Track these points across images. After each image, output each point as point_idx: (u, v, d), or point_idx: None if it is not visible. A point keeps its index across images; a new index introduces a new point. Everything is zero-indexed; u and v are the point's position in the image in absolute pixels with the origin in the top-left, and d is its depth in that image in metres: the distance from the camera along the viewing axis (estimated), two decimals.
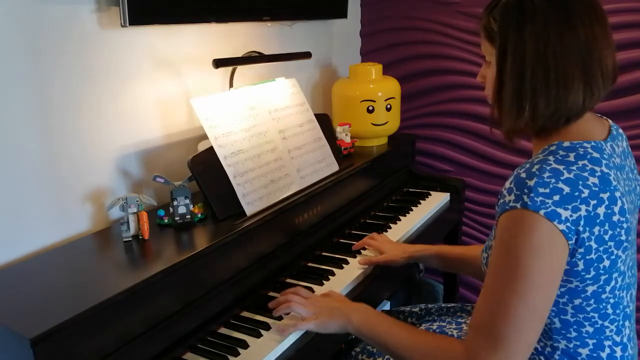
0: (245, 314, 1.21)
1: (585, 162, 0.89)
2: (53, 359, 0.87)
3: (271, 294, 1.29)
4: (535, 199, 0.85)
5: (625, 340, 0.98)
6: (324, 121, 1.67)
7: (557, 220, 0.85)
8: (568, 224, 0.85)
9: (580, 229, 0.86)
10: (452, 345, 0.95)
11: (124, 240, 1.19)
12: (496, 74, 0.95)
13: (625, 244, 0.92)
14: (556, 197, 0.85)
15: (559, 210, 0.85)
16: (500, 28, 0.93)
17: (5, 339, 0.89)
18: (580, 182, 0.87)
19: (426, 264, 1.46)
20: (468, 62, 2.08)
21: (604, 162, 0.91)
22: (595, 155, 0.91)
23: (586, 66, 0.90)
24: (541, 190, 0.85)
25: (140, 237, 1.21)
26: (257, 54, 1.66)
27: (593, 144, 0.92)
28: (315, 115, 1.64)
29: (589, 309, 0.93)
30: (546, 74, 0.89)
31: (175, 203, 1.24)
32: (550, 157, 0.90)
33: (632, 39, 1.76)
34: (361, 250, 1.49)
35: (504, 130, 0.98)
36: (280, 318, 1.17)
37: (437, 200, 1.88)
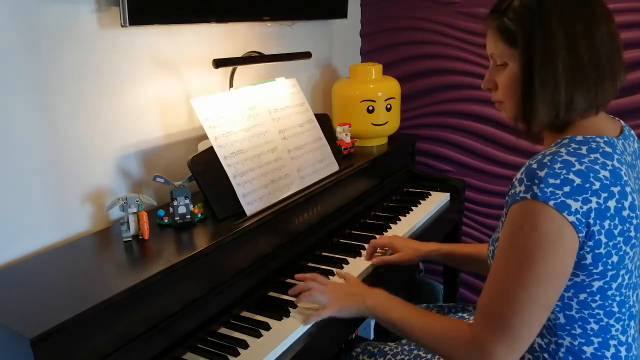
0: (245, 314, 1.21)
1: (598, 155, 0.90)
2: (53, 359, 0.87)
3: (271, 294, 1.29)
4: (545, 189, 0.85)
5: (630, 340, 0.98)
6: (324, 121, 1.67)
7: (566, 212, 0.85)
8: (578, 216, 0.85)
9: (591, 221, 0.86)
10: (461, 327, 0.98)
11: (124, 240, 1.19)
12: (522, 73, 0.94)
13: (633, 240, 0.92)
14: (566, 189, 0.85)
15: (569, 201, 0.85)
16: (523, 25, 0.93)
17: (5, 339, 0.89)
18: (592, 175, 0.87)
19: (435, 261, 1.47)
20: (468, 62, 2.08)
21: (615, 156, 0.91)
22: (608, 149, 0.91)
23: (610, 58, 0.92)
24: (551, 181, 0.86)
25: (140, 237, 1.20)
26: (257, 54, 1.66)
27: (606, 139, 0.93)
28: (315, 115, 1.64)
29: (594, 305, 0.93)
30: (580, 67, 0.90)
31: (175, 203, 1.24)
32: (562, 149, 0.90)
33: (632, 38, 1.76)
34: (361, 251, 1.48)
35: (534, 126, 0.96)
36: (280, 318, 1.17)
37: (437, 200, 1.88)
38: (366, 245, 1.50)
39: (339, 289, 1.20)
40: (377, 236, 1.54)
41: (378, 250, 1.47)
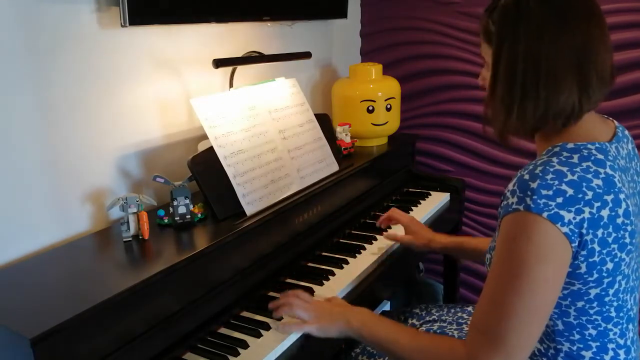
0: (245, 314, 1.21)
1: (590, 163, 0.89)
2: (53, 359, 0.87)
3: (271, 294, 1.29)
4: (538, 201, 0.85)
5: (629, 343, 0.97)
6: (324, 121, 1.67)
7: (560, 223, 0.84)
8: (571, 227, 0.85)
9: (584, 231, 0.86)
10: (453, 345, 0.95)
11: (124, 240, 1.19)
12: (491, 75, 0.95)
13: (629, 246, 0.91)
14: (559, 200, 0.85)
15: (562, 212, 0.84)
16: (497, 29, 0.93)
17: (5, 339, 0.89)
18: (584, 184, 0.86)
19: (448, 254, 1.48)
20: (468, 62, 2.08)
21: (608, 163, 0.90)
22: (600, 156, 0.90)
23: (581, 68, 0.89)
24: (544, 192, 0.85)
25: (140, 237, 1.20)
26: (257, 54, 1.66)
27: (597, 145, 0.92)
28: (315, 115, 1.64)
29: (592, 311, 0.92)
30: (536, 76, 0.89)
31: (175, 203, 1.24)
32: (554, 159, 0.89)
33: (632, 39, 1.76)
34: (361, 250, 1.48)
35: (495, 130, 0.97)
36: (280, 318, 1.17)
37: (437, 200, 1.88)
38: (367, 245, 1.50)
39: (321, 307, 1.14)
40: (398, 212, 1.52)
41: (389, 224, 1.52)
